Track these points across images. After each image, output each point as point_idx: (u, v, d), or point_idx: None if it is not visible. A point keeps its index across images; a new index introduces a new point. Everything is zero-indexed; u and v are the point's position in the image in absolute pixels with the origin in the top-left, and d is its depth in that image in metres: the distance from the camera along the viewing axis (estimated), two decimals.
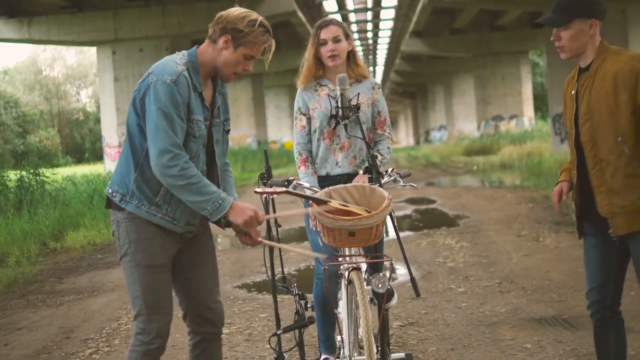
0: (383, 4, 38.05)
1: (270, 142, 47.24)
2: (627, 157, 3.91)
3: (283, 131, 52.30)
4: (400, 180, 4.59)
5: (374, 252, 4.49)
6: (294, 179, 4.60)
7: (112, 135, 26.95)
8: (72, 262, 11.56)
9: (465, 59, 44.18)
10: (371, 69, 71.34)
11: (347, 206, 4.24)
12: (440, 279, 8.47)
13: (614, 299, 4.19)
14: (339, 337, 5.09)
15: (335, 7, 37.80)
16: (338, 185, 4.37)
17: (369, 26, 46.12)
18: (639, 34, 26.62)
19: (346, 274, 4.29)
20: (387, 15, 41.51)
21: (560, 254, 9.39)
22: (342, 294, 4.37)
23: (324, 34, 5.00)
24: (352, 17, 41.75)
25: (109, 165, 26.89)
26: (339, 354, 4.79)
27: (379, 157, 5.00)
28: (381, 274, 4.11)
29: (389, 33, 48.07)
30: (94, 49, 31.01)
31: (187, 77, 3.84)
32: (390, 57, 58.15)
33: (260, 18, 3.95)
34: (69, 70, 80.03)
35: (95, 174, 24.92)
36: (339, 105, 4.65)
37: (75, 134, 74.15)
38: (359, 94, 4.86)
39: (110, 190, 3.97)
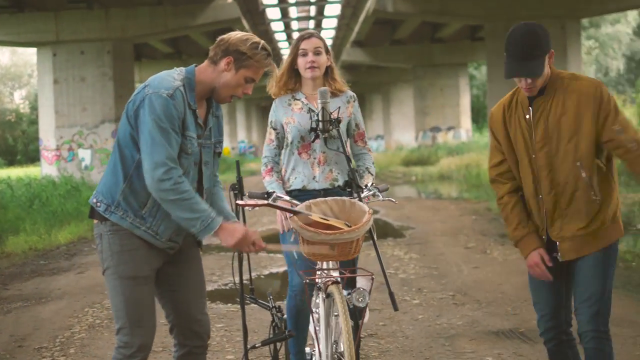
0: (326, 13, 38.12)
1: None
2: (584, 182, 3.97)
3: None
4: (379, 194, 4.61)
5: (352, 266, 4.50)
6: (274, 192, 4.60)
7: (50, 138, 26.50)
8: (14, 267, 11.37)
9: (405, 69, 44.54)
10: None
11: (327, 220, 4.26)
12: (394, 290, 8.49)
13: (567, 321, 4.26)
14: (307, 349, 5.11)
15: (278, 15, 37.75)
16: (318, 199, 4.39)
17: None
18: (576, 48, 27.26)
19: (324, 287, 4.31)
20: (329, 25, 41.60)
21: (509, 267, 9.53)
22: (320, 307, 4.38)
23: (306, 45, 5.01)
24: (295, 25, 41.78)
25: (46, 168, 26.45)
26: None
27: (371, 176, 5.03)
28: (361, 289, 4.14)
29: (330, 42, 48.21)
30: (30, 50, 30.52)
31: (183, 93, 3.84)
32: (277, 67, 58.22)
33: (262, 42, 3.98)
34: (3, 71, 78.56)
35: (31, 177, 24.56)
36: (320, 118, 4.67)
37: (8, 135, 72.78)
38: (339, 107, 4.88)
39: (94, 200, 3.94)
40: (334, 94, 5.07)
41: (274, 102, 5.21)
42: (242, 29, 22.92)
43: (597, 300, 4.04)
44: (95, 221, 3.96)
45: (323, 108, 4.64)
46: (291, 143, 5.09)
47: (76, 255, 12.30)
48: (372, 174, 5.10)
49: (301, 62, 5.05)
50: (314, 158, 5.04)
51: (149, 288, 3.94)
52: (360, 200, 4.40)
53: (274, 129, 5.16)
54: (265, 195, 4.58)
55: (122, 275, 3.87)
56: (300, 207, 4.30)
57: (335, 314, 4.35)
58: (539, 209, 4.14)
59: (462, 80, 42.14)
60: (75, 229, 15.08)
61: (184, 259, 4.09)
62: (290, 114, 5.08)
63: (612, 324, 6.32)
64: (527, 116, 4.08)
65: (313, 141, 4.97)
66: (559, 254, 4.08)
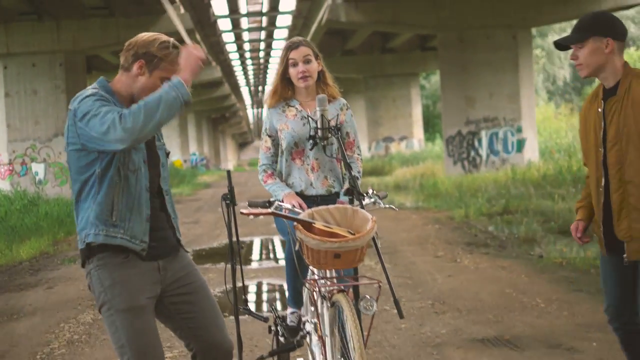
0: (277, 24, 38.16)
1: None
2: None
3: (172, 150, 51.66)
4: (380, 202, 4.60)
5: (353, 275, 4.48)
6: (274, 200, 4.56)
7: (2, 152, 26.02)
8: None
9: (357, 80, 44.64)
10: (260, 88, 71.43)
11: (330, 228, 4.23)
12: (375, 299, 8.48)
13: (634, 312, 4.30)
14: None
15: (229, 26, 37.69)
16: (320, 207, 4.37)
17: (262, 45, 46.18)
18: (527, 57, 27.58)
19: (328, 296, 4.29)
20: (280, 35, 41.62)
21: (482, 275, 9.57)
22: (325, 316, 4.34)
23: (294, 55, 5.00)
24: (246, 36, 41.73)
25: None
26: None
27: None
28: (368, 297, 4.13)
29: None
30: None
31: (105, 95, 3.75)
32: None
33: (172, 40, 3.89)
34: None
35: None
36: (319, 126, 4.64)
37: None
38: (337, 115, 4.86)
39: (78, 238, 3.86)
40: (328, 100, 5.05)
41: (267, 110, 5.18)
42: (195, 40, 22.74)
43: None
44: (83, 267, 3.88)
45: (322, 115, 4.62)
46: (285, 149, 5.10)
47: (41, 270, 12.09)
48: (358, 178, 5.10)
49: (293, 72, 5.04)
50: (308, 164, 5.05)
51: (149, 318, 3.82)
52: (362, 207, 4.38)
53: (270, 136, 5.16)
54: (267, 204, 4.53)
55: (118, 309, 3.74)
56: (303, 215, 4.27)
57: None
58: (598, 202, 4.24)
59: (413, 91, 42.40)
60: (36, 244, 14.83)
61: (186, 285, 4.00)
62: (285, 121, 5.08)
63: (597, 331, 6.42)
64: (600, 109, 4.19)
65: (311, 149, 4.95)
66: (626, 254, 4.13)
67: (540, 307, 7.64)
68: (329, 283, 4.37)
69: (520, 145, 26.48)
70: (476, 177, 23.42)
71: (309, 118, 4.95)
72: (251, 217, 4.20)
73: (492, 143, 26.62)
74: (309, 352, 4.97)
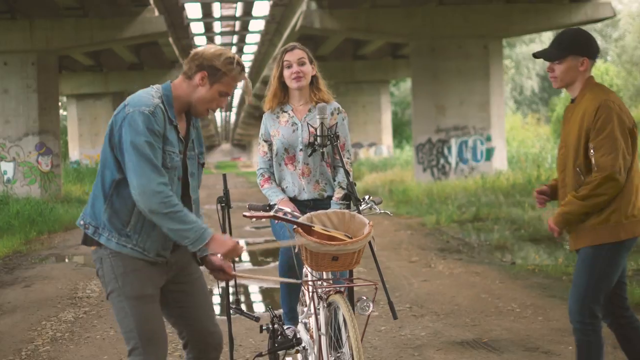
0: (250, 29, 38.25)
1: None
2: (582, 185, 4.37)
3: None
4: (376, 207, 4.76)
5: (349, 277, 4.63)
6: (275, 204, 4.69)
7: None
8: None
9: (328, 86, 44.78)
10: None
11: (329, 231, 4.39)
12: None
13: (621, 306, 4.60)
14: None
15: (202, 29, 37.73)
16: (319, 211, 4.52)
17: (234, 49, 46.20)
18: (498, 68, 27.89)
19: (325, 296, 4.45)
20: (253, 40, 41.73)
21: (457, 280, 9.76)
22: (321, 316, 4.49)
23: (289, 57, 5.18)
24: (218, 39, 41.77)
25: None
26: None
27: (342, 190, 5.18)
28: (364, 298, 4.30)
29: (251, 57, 48.30)
30: None
31: (163, 110, 3.90)
32: (250, 80, 58.35)
33: (237, 57, 4.05)
34: None
35: None
36: (318, 133, 4.79)
37: None
38: (337, 123, 5.02)
39: (82, 222, 3.98)
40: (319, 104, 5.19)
41: (263, 116, 5.33)
42: (167, 44, 22.69)
43: (582, 292, 4.44)
44: (93, 247, 3.99)
45: (322, 123, 4.77)
46: (277, 155, 5.26)
47: (16, 269, 12.10)
48: (343, 188, 5.25)
49: (286, 73, 5.20)
50: (299, 169, 5.20)
51: (156, 306, 3.99)
52: (359, 212, 4.54)
53: (265, 141, 5.36)
54: (267, 208, 4.67)
55: (128, 296, 3.90)
56: (302, 219, 4.42)
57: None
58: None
59: (383, 97, 42.64)
60: (9, 242, 14.81)
61: (186, 276, 4.16)
62: (277, 127, 5.25)
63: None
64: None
65: (310, 155, 5.10)
66: (568, 244, 4.57)
67: (516, 312, 7.84)
68: (325, 284, 4.52)
69: (489, 154, 26.77)
70: (445, 185, 23.66)
71: (302, 125, 5.11)
72: (253, 219, 4.34)
73: (461, 151, 26.89)
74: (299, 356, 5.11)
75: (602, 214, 4.34)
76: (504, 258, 11.70)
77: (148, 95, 3.92)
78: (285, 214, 4.56)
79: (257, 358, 4.95)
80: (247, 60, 50.33)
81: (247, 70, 47.17)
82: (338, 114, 5.38)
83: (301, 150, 5.24)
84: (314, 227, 4.34)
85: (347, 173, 4.70)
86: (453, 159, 26.84)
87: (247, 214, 4.27)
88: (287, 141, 5.20)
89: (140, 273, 3.91)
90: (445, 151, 26.81)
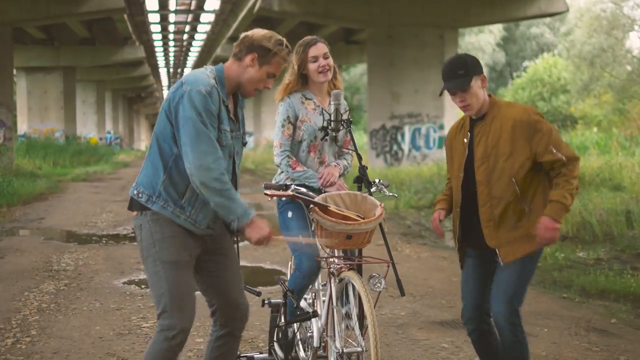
0: (205, 8, 38.21)
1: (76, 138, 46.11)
2: (517, 195, 4.51)
3: (89, 127, 51.22)
4: (385, 190, 5.01)
5: (358, 255, 4.87)
6: (291, 184, 4.87)
7: None
8: None
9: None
10: (179, 70, 71.10)
11: (343, 211, 4.64)
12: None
13: (487, 312, 4.75)
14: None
15: (156, 6, 37.56)
16: (333, 192, 4.76)
17: (187, 28, 46.10)
18: (453, 55, 28.27)
19: (337, 272, 4.70)
20: (206, 19, 41.68)
21: (426, 264, 10.08)
22: (332, 290, 4.73)
23: (314, 52, 5.25)
24: (172, 17, 41.63)
25: None
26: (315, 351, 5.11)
27: (345, 166, 5.39)
28: (377, 275, 4.56)
29: (203, 37, 48.24)
30: None
31: (218, 90, 4.11)
32: (200, 60, 58.20)
33: (285, 39, 4.27)
34: None
35: None
36: (332, 118, 5.00)
37: None
38: (350, 109, 5.23)
39: (135, 192, 4.17)
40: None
41: (287, 99, 5.36)
42: (122, 20, 22.77)
43: (512, 294, 4.53)
44: (135, 213, 4.19)
45: (336, 109, 4.98)
46: (304, 141, 5.34)
47: None
48: (342, 170, 5.43)
49: (313, 67, 5.26)
50: (319, 158, 5.34)
51: (189, 274, 4.19)
52: (371, 194, 4.80)
53: (292, 124, 5.35)
54: (284, 187, 4.85)
55: (164, 261, 4.10)
56: (318, 199, 4.65)
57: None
58: (456, 220, 4.75)
59: None
60: None
61: (220, 246, 4.36)
62: (306, 112, 5.32)
63: (544, 318, 6.96)
64: (465, 140, 4.66)
65: (322, 139, 5.25)
66: (500, 258, 4.57)
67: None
68: (336, 261, 4.77)
69: (441, 141, 27.20)
70: (399, 171, 23.99)
71: (324, 111, 5.24)
72: (273, 198, 4.56)
73: (414, 138, 27.31)
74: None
75: (536, 220, 4.51)
76: None
77: (204, 75, 4.13)
78: (301, 193, 4.76)
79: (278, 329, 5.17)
80: (199, 39, 50.24)
81: (198, 49, 47.19)
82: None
83: (334, 135, 5.37)
84: (329, 207, 4.58)
85: (359, 157, 4.94)
86: (406, 146, 27.25)
87: (267, 192, 4.50)
88: (317, 128, 5.30)
89: (177, 240, 4.11)
90: (399, 138, 27.21)
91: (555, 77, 50.94)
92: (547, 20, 57.96)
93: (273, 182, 5.11)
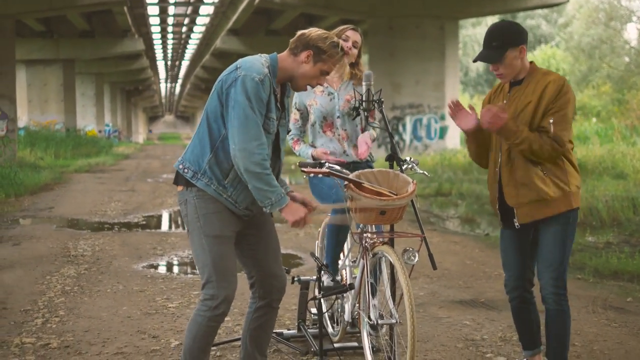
0: (205, 0, 38.25)
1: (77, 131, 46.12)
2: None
3: (88, 119, 51.17)
4: (416, 168, 5.15)
5: (391, 230, 5.02)
6: (325, 162, 5.02)
7: None
8: None
9: None
10: (177, 63, 71.18)
11: (376, 188, 4.77)
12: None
13: (530, 281, 4.90)
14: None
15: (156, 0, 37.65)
16: (366, 170, 4.91)
17: (186, 20, 46.12)
18: (454, 48, 28.56)
19: (370, 247, 4.85)
20: (206, 11, 41.69)
21: (439, 248, 10.21)
22: (367, 264, 4.88)
23: (351, 34, 5.66)
24: (171, 10, 41.66)
25: None
26: (353, 322, 5.27)
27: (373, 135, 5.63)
28: (410, 248, 4.70)
29: (202, 29, 48.26)
30: None
31: (270, 79, 4.27)
32: (199, 52, 58.25)
33: (340, 41, 4.47)
34: None
35: None
36: (364, 99, 5.21)
37: None
38: (381, 90, 5.40)
39: (181, 166, 4.34)
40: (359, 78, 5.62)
41: None
42: (122, 12, 22.94)
43: (557, 266, 4.66)
44: (180, 188, 4.36)
45: (368, 90, 5.21)
46: (315, 123, 5.74)
47: None
48: (374, 136, 5.68)
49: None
50: (338, 135, 5.62)
51: (231, 247, 4.38)
52: (402, 171, 4.94)
53: (298, 110, 5.85)
54: (319, 165, 5.00)
55: (208, 234, 4.29)
56: (352, 176, 4.79)
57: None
58: (494, 180, 4.81)
59: None
60: None
61: (260, 223, 4.54)
62: (313, 97, 5.70)
63: None
64: (505, 101, 4.75)
65: (354, 118, 5.50)
66: (516, 218, 4.70)
67: (504, 277, 8.28)
68: (369, 236, 4.91)
69: (442, 132, 27.42)
70: None
71: (338, 94, 5.55)
72: (311, 175, 4.74)
73: (415, 129, 27.50)
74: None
75: (559, 184, 4.60)
76: (476, 230, 12.20)
77: (259, 63, 4.29)
78: (336, 170, 4.92)
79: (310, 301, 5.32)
80: (198, 32, 50.27)
81: (197, 42, 46.87)
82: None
83: (339, 117, 5.67)
84: (363, 183, 4.72)
85: (390, 135, 5.10)
86: (407, 136, 27.42)
87: (305, 169, 4.67)
88: (326, 109, 5.65)
89: (220, 215, 4.30)
90: (400, 128, 27.38)
91: (554, 68, 51.06)
92: (544, 11, 58.08)
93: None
